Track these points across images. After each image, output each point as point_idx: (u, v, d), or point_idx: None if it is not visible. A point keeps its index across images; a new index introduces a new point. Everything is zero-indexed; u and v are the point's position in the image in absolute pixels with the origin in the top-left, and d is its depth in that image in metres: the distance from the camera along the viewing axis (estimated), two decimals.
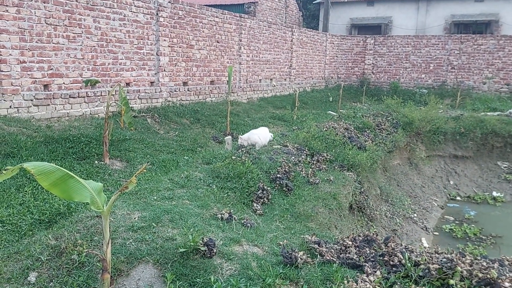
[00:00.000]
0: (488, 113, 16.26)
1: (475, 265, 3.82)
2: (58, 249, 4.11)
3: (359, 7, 28.18)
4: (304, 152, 9.08)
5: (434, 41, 22.39)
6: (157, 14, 11.69)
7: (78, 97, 9.65)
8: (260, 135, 9.28)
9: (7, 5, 8.16)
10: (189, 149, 9.44)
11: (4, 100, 8.27)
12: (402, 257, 4.01)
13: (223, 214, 5.41)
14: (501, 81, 21.19)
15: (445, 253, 4.17)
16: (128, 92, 10.78)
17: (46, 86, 9.05)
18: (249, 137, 9.11)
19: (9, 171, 3.09)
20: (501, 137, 14.73)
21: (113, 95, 9.98)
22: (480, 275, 3.64)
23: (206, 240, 4.09)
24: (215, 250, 4.06)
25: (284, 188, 7.18)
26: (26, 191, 5.80)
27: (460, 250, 4.45)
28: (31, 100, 8.70)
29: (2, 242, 4.43)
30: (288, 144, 9.31)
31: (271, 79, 18.07)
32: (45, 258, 4.01)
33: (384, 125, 13.15)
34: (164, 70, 12.08)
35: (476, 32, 24.52)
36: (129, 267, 3.96)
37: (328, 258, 4.17)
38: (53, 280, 3.79)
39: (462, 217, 11.48)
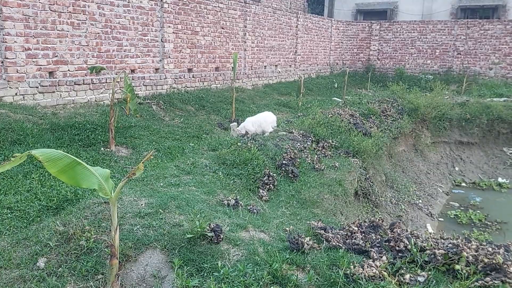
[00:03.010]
0: (495, 99, 16.14)
1: (481, 251, 3.83)
2: (66, 235, 4.15)
3: None
4: (310, 138, 9.07)
5: (440, 27, 22.16)
6: (161, 0, 11.62)
7: (83, 84, 9.65)
8: (255, 123, 9.15)
9: None
10: (195, 135, 9.45)
11: (10, 88, 8.29)
12: (408, 243, 4.02)
13: (230, 201, 5.44)
14: (507, 66, 20.97)
15: (451, 239, 4.18)
16: (133, 79, 10.76)
17: (51, 73, 9.05)
18: (244, 126, 9.05)
19: (17, 158, 3.10)
20: (507, 123, 14.65)
21: (118, 82, 9.98)
22: (486, 260, 3.66)
23: (213, 226, 4.12)
24: (222, 236, 4.09)
25: (290, 175, 7.19)
26: (33, 178, 5.84)
27: (466, 236, 4.45)
28: (37, 87, 8.71)
29: (11, 228, 4.48)
30: (293, 131, 9.31)
31: (276, 65, 17.99)
32: (53, 244, 4.05)
33: (390, 111, 13.09)
34: (169, 57, 12.05)
35: (483, 17, 24.19)
36: (137, 252, 4.00)
37: (334, 243, 4.19)
38: (62, 266, 3.83)
39: (467, 203, 11.48)
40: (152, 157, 6.98)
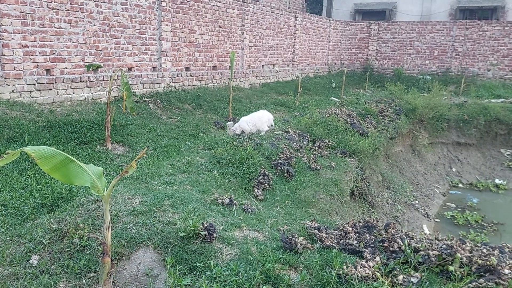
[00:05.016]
0: (492, 100, 16.15)
1: (475, 252, 3.83)
2: (60, 233, 4.14)
3: None
4: (306, 138, 9.06)
5: (439, 27, 22.16)
6: None
7: (80, 81, 9.63)
8: (249, 122, 9.10)
9: None
10: (191, 134, 9.44)
11: (7, 85, 8.26)
12: (401, 243, 4.02)
13: (224, 199, 5.43)
14: (506, 68, 20.98)
15: (445, 240, 4.17)
16: (130, 77, 10.74)
17: (48, 71, 9.03)
18: (239, 125, 9.02)
19: (10, 155, 3.10)
20: (505, 124, 14.65)
21: (115, 80, 9.96)
22: (480, 261, 3.65)
23: (206, 225, 4.11)
24: (215, 235, 4.08)
25: (286, 174, 7.18)
26: (28, 175, 5.83)
27: (461, 237, 4.45)
28: (34, 84, 8.69)
29: (5, 225, 4.47)
30: (290, 130, 9.30)
31: (273, 64, 17.97)
32: (47, 242, 4.05)
33: (387, 111, 13.09)
34: (167, 55, 12.03)
35: (482, 18, 24.20)
36: (129, 251, 3.99)
37: (327, 243, 4.18)
38: (55, 263, 3.83)
39: (464, 205, 11.48)
40: (145, 155, 6.98)
